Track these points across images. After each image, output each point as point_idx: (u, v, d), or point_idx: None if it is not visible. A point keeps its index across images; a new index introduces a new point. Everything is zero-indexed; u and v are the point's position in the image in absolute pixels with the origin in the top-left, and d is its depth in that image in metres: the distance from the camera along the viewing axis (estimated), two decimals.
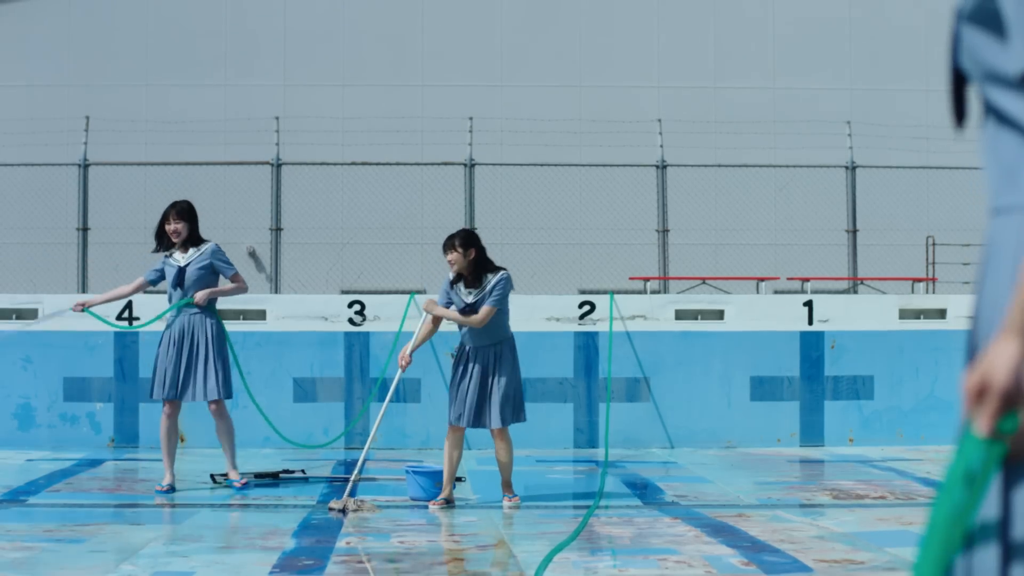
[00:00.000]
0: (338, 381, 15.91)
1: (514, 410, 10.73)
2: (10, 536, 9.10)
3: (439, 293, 10.99)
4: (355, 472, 11.32)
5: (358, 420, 15.78)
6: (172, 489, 11.67)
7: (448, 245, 10.82)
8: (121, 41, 24.98)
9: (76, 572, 7.76)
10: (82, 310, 11.96)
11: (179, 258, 11.83)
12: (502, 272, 10.78)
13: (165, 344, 11.73)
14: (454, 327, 11.12)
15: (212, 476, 12.48)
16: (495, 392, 10.65)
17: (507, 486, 10.96)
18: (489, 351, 10.70)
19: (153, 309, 15.70)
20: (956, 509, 2.32)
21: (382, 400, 15.88)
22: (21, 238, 23.01)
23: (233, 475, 12.05)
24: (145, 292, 12.82)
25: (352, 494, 10.89)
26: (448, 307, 10.81)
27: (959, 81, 2.59)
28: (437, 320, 10.98)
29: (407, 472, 11.31)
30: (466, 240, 10.80)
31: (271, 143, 19.84)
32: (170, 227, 11.82)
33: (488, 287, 10.67)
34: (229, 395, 11.88)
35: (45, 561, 8.09)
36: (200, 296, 11.68)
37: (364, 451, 11.72)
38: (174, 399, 11.72)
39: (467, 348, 10.77)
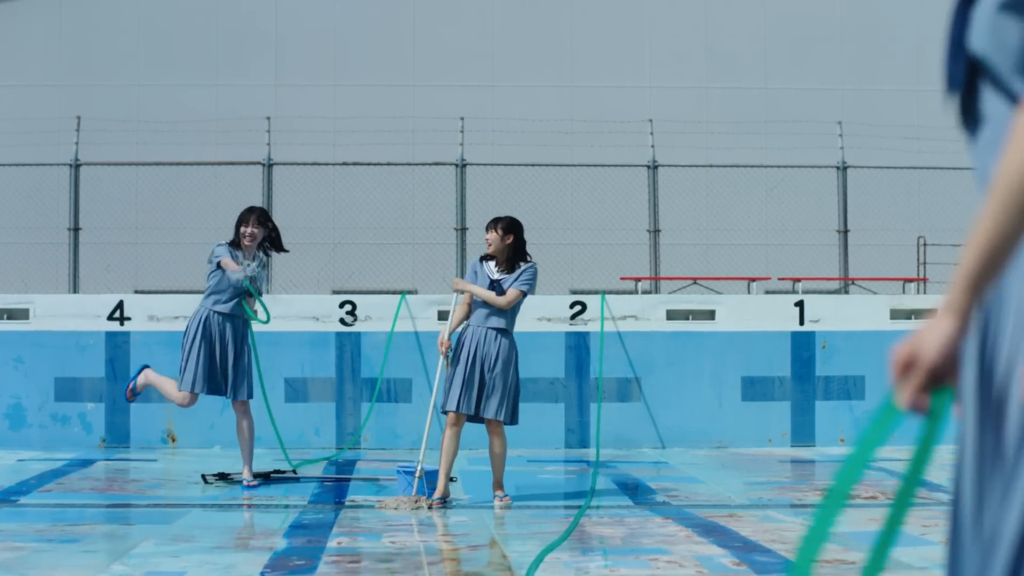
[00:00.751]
0: (329, 381, 15.91)
1: (511, 407, 10.72)
2: (1, 536, 9.09)
3: (468, 272, 11.08)
4: (418, 469, 11.20)
5: (365, 423, 15.77)
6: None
7: (490, 225, 11.06)
8: (112, 41, 24.96)
9: (67, 572, 7.75)
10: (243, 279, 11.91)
11: (244, 264, 11.92)
12: (533, 263, 10.97)
13: (205, 340, 11.80)
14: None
15: (203, 476, 12.47)
16: (492, 381, 10.65)
17: (498, 485, 10.94)
18: (492, 337, 10.70)
19: (144, 307, 15.71)
20: (852, 478, 2.37)
21: (380, 401, 15.90)
22: (12, 238, 22.99)
23: (247, 474, 12.12)
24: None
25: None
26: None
27: (962, 67, 2.45)
28: (470, 302, 11.00)
29: (398, 472, 11.31)
30: (508, 226, 11.02)
31: (262, 143, 19.82)
32: (247, 229, 11.89)
33: (517, 272, 10.81)
34: (252, 395, 12.06)
35: (36, 561, 8.09)
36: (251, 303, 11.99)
37: (422, 451, 11.61)
38: (204, 393, 11.92)
39: (470, 334, 10.78)
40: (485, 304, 10.79)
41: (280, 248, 12.11)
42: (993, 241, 2.37)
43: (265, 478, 12.64)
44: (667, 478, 13.00)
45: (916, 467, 2.37)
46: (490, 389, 10.65)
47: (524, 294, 10.83)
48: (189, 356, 11.80)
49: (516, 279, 10.81)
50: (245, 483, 12.06)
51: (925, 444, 2.38)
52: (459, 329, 11.01)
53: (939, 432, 2.39)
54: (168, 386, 12.03)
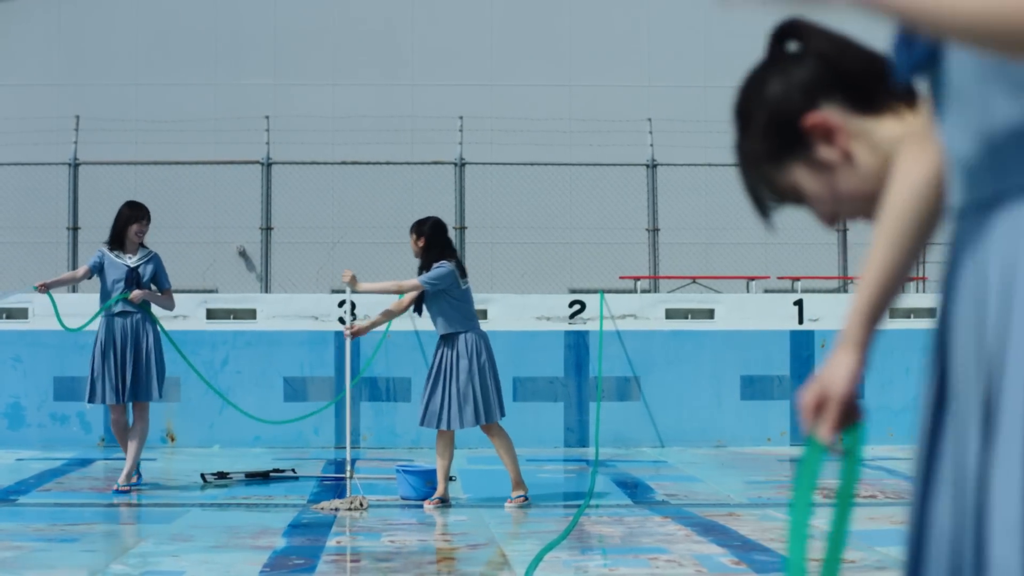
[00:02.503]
0: (328, 380, 15.91)
1: (475, 410, 10.57)
2: (0, 535, 9.09)
3: None
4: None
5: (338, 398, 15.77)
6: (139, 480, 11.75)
7: (410, 229, 10.93)
8: (111, 40, 24.96)
9: (67, 571, 7.75)
10: (45, 291, 11.77)
11: (126, 258, 11.74)
12: (442, 263, 10.66)
13: (108, 346, 11.54)
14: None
15: (202, 475, 12.47)
16: (453, 390, 10.56)
17: (514, 484, 10.84)
18: (446, 343, 10.64)
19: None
20: (807, 518, 2.39)
21: (379, 400, 15.89)
22: (11, 237, 22.98)
23: (124, 480, 11.65)
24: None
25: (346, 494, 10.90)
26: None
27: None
28: (404, 306, 10.94)
29: (398, 471, 11.31)
30: (418, 228, 10.87)
31: (261, 142, 19.82)
32: (142, 227, 11.79)
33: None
34: (160, 397, 11.85)
35: (36, 561, 8.08)
36: (138, 295, 11.60)
37: (347, 451, 11.63)
38: (120, 403, 11.60)
39: (435, 347, 10.77)
40: (437, 315, 10.70)
41: (139, 242, 11.92)
42: (886, 272, 2.41)
43: (264, 477, 12.64)
44: (666, 477, 13.00)
45: (842, 508, 2.40)
46: (458, 397, 10.55)
47: (420, 287, 10.59)
48: (94, 368, 11.56)
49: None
50: (119, 487, 11.58)
51: (847, 482, 2.41)
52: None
53: (857, 469, 2.43)
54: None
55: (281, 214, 20.17)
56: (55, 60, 24.87)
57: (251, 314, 15.94)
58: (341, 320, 15.96)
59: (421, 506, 10.71)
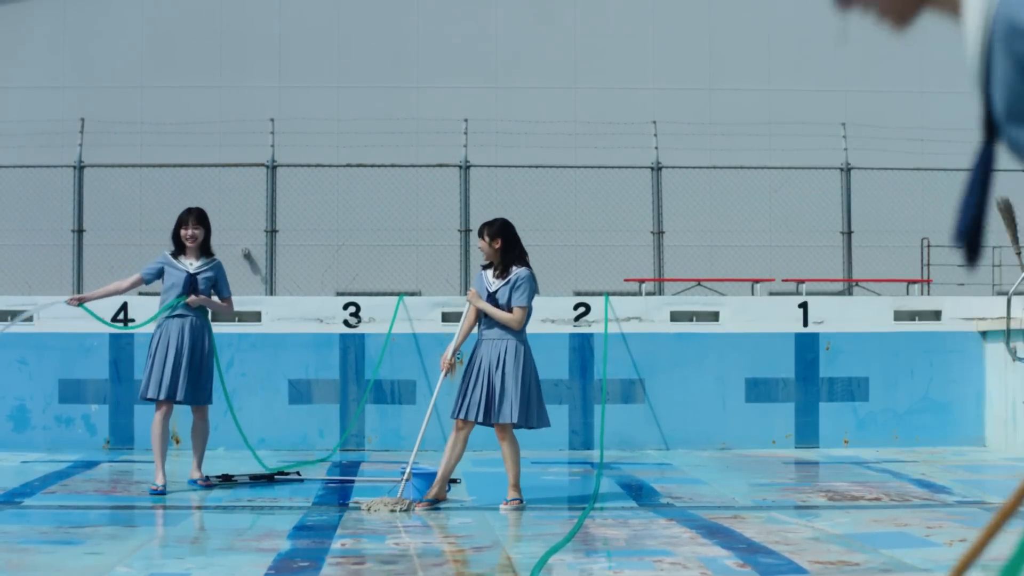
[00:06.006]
0: (333, 383, 15.91)
1: (523, 411, 10.62)
2: (5, 538, 9.10)
3: (474, 281, 11.02)
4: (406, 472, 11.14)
5: (354, 423, 15.77)
6: (165, 491, 11.67)
7: (479, 233, 10.92)
8: (116, 43, 24.98)
9: (71, 574, 7.75)
10: (77, 305, 12.03)
11: (186, 264, 11.87)
12: (523, 269, 10.74)
13: (163, 344, 11.71)
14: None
15: (207, 477, 12.47)
16: (502, 386, 10.60)
17: (511, 487, 10.83)
18: (498, 344, 10.67)
19: (148, 310, 15.69)
20: None
21: (384, 403, 15.89)
22: (16, 240, 23.00)
23: (197, 474, 12.05)
24: (138, 292, 12.78)
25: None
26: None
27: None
28: (476, 315, 10.91)
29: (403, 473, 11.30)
30: (495, 231, 10.82)
31: (266, 145, 19.83)
32: (187, 232, 11.85)
33: (511, 282, 10.68)
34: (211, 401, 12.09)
35: (40, 563, 8.09)
36: (194, 300, 11.77)
37: (412, 454, 11.62)
38: (171, 400, 11.73)
39: (479, 341, 10.79)
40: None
41: (208, 251, 12.03)
42: None
43: (269, 479, 12.65)
44: (671, 480, 12.99)
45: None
46: (506, 394, 10.60)
47: (526, 308, 10.72)
48: (150, 364, 11.76)
49: (512, 292, 10.67)
50: (199, 482, 11.99)
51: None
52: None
53: None
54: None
55: (286, 217, 20.18)
56: (60, 63, 24.90)
57: (256, 316, 15.95)
58: (346, 323, 15.97)
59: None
